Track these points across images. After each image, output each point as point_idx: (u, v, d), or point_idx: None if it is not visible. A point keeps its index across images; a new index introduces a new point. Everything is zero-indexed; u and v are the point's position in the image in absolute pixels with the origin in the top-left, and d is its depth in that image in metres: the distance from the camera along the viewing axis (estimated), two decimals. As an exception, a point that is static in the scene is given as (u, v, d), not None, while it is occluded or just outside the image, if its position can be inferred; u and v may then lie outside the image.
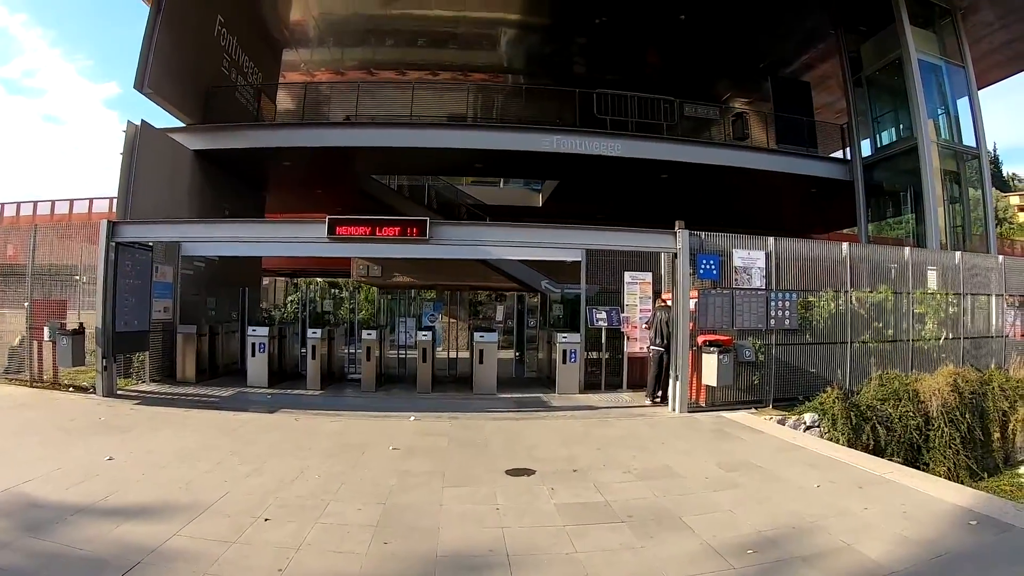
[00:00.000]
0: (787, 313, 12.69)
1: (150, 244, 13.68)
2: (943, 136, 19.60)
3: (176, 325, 15.03)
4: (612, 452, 8.85)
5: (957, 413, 12.25)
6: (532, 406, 12.68)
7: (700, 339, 11.97)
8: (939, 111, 19.88)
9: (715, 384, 11.74)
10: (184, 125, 18.42)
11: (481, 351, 14.02)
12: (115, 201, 16.45)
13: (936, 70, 19.83)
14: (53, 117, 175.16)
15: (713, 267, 12.38)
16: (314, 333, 14.18)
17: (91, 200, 31.95)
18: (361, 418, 10.99)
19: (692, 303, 12.11)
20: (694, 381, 12.19)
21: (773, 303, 12.62)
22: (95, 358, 12.43)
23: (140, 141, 15.56)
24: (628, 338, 14.75)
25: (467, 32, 24.70)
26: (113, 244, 12.34)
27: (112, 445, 8.42)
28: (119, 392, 12.73)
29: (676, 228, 12.33)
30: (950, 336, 14.31)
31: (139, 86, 16.06)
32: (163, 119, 18.04)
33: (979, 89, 20.50)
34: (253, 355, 14.37)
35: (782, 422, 11.48)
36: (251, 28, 22.00)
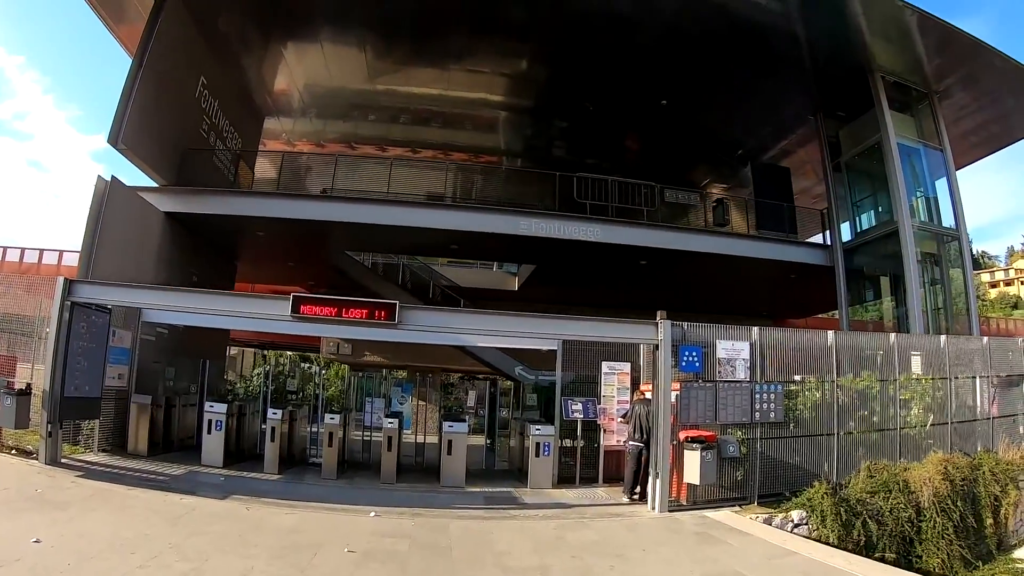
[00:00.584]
0: (772, 405, 12.23)
1: (108, 307, 12.89)
2: (923, 218, 19.66)
3: (131, 394, 14.23)
4: (589, 561, 8.13)
5: (949, 502, 11.81)
6: (502, 502, 11.90)
7: (682, 435, 11.39)
8: (918, 193, 20.04)
9: (698, 483, 11.13)
10: (157, 185, 17.90)
11: (450, 441, 13.26)
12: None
13: (915, 153, 20.03)
14: (36, 163, 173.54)
15: (696, 359, 11.88)
16: (274, 414, 13.39)
17: (61, 253, 31.04)
18: (318, 511, 10.14)
19: (674, 396, 11.58)
20: (675, 477, 11.54)
21: (758, 395, 12.16)
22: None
23: (109, 198, 15.00)
24: (605, 430, 14.10)
25: (450, 111, 24.79)
26: (69, 303, 11.60)
27: (43, 524, 7.68)
28: (64, 460, 11.84)
29: (658, 319, 11.86)
30: (937, 421, 13.87)
31: (113, 141, 15.49)
32: (139, 177, 17.66)
33: (957, 170, 20.72)
34: (209, 432, 13.52)
35: (768, 521, 10.91)
36: (234, 93, 21.78)
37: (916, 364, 14.14)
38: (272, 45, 21.04)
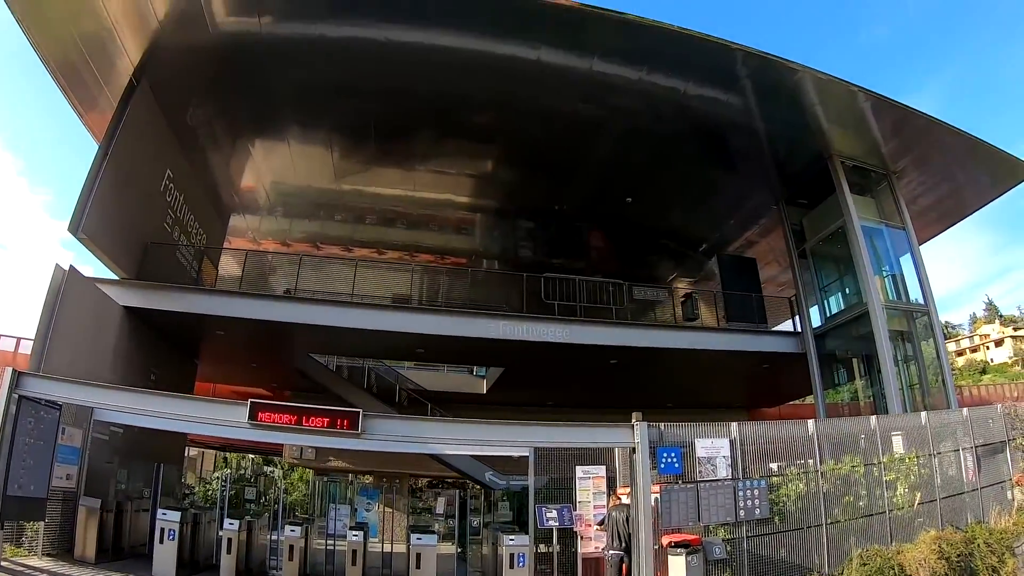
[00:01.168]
0: (757, 502, 11.83)
1: (59, 403, 12.19)
2: (891, 296, 19.79)
3: (79, 495, 13.31)
4: None
5: None
6: None
7: (665, 539, 10.88)
8: (884, 272, 20.19)
9: (684, 590, 10.55)
10: (117, 278, 17.31)
11: (419, 555, 12.57)
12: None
13: (877, 233, 20.27)
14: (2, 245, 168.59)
15: (675, 460, 11.49)
16: (231, 524, 12.60)
17: (19, 340, 29.55)
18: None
19: (654, 500, 11.09)
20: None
21: (741, 493, 11.76)
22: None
23: (66, 288, 14.37)
24: (582, 537, 13.43)
25: (416, 212, 24.93)
26: (16, 396, 10.90)
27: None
28: (3, 563, 11.02)
29: (633, 421, 11.47)
30: (925, 499, 13.44)
31: (74, 229, 14.91)
32: (102, 268, 17.06)
33: (920, 244, 20.97)
34: (161, 542, 12.64)
35: None
36: (200, 187, 21.54)
37: (898, 443, 13.89)
38: (240, 142, 21.00)
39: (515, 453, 13.68)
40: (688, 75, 17.29)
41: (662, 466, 11.38)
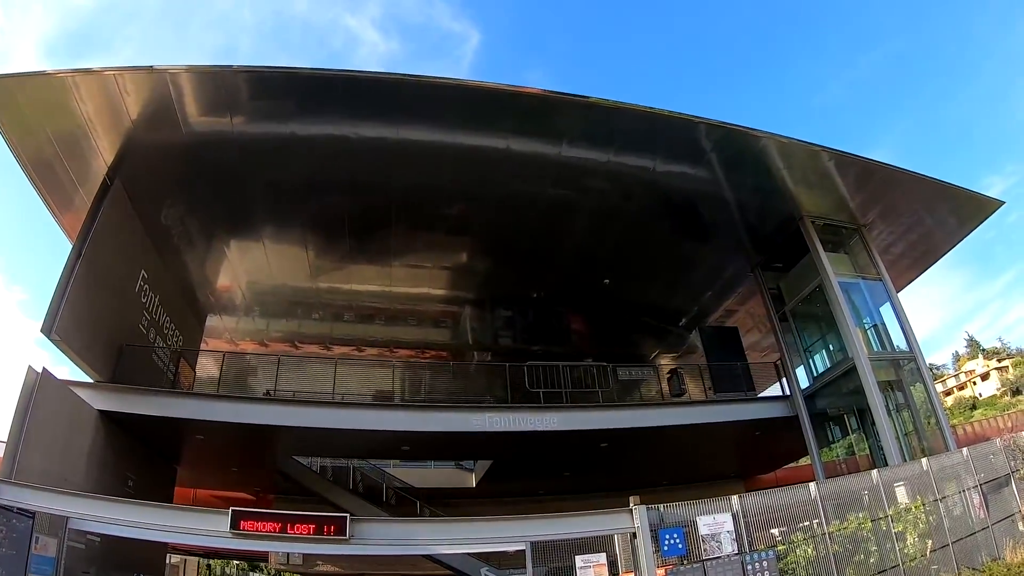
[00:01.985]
0: (767, 575, 11.44)
1: (32, 511, 11.62)
2: (875, 347, 19.66)
3: None
4: None
5: None
6: None
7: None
8: (866, 324, 20.18)
9: None
10: (92, 381, 16.81)
11: None
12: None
13: (855, 287, 20.35)
14: None
15: (678, 541, 11.18)
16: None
17: None
18: None
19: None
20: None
21: (750, 567, 11.42)
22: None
23: (39, 391, 13.86)
24: (587, 629, 12.97)
25: (393, 307, 24.81)
26: None
27: None
28: None
29: (631, 505, 11.21)
30: (937, 545, 13.08)
31: (47, 331, 14.48)
32: (77, 371, 16.60)
33: (897, 291, 21.01)
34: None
35: None
36: (176, 288, 21.29)
37: (902, 494, 13.63)
38: (214, 242, 20.90)
39: (511, 548, 13.24)
40: (656, 152, 17.60)
41: (665, 548, 11.06)
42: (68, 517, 12.68)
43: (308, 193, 18.59)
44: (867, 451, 19.22)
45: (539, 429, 18.27)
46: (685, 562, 11.14)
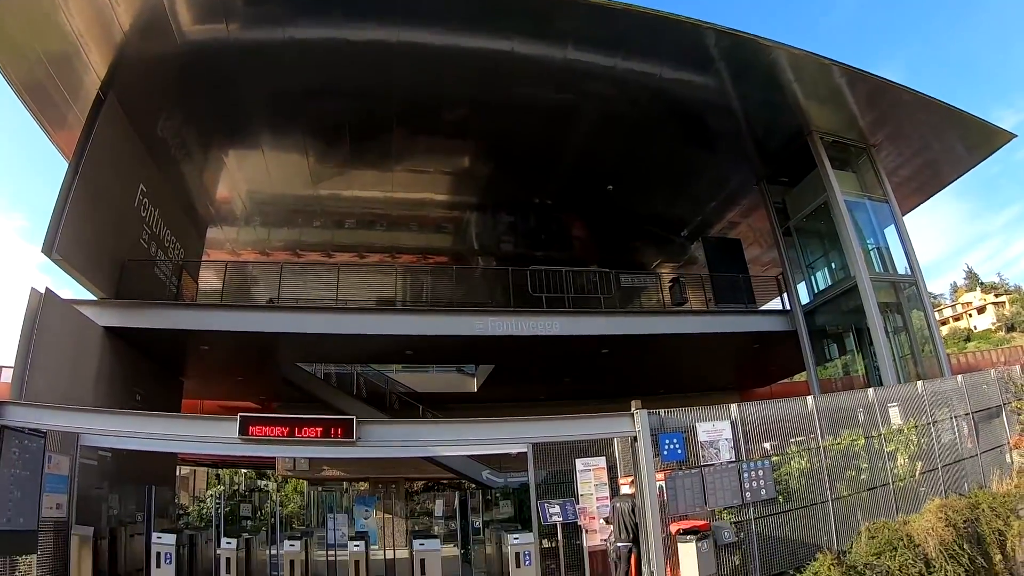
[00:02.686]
0: (762, 483, 11.62)
1: (43, 431, 11.70)
2: (877, 269, 19.60)
3: (71, 524, 12.75)
4: None
5: (955, 547, 11.21)
6: None
7: (673, 527, 10.66)
8: (870, 245, 20.10)
9: (698, 576, 10.38)
10: (96, 299, 16.87)
11: (423, 560, 12.24)
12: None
13: (859, 207, 20.16)
14: None
15: (678, 446, 11.28)
16: (228, 543, 12.28)
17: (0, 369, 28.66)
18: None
19: (660, 488, 10.89)
20: (668, 574, 10.70)
21: (746, 475, 11.54)
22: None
23: (43, 312, 13.84)
24: (586, 531, 13.25)
25: (395, 213, 24.60)
26: None
27: None
28: None
29: (633, 409, 11.25)
30: (927, 468, 13.32)
31: (47, 251, 14.43)
32: (81, 291, 16.60)
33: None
34: (158, 566, 12.33)
35: None
36: (175, 201, 21.06)
37: (895, 415, 13.73)
38: (212, 152, 20.60)
39: (513, 450, 13.46)
40: (663, 58, 17.12)
41: (665, 453, 11.16)
42: (79, 434, 12.89)
43: (307, 98, 18.16)
44: (862, 371, 19.41)
45: (541, 333, 18.33)
46: (683, 467, 11.28)
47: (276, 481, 27.72)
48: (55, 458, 12.36)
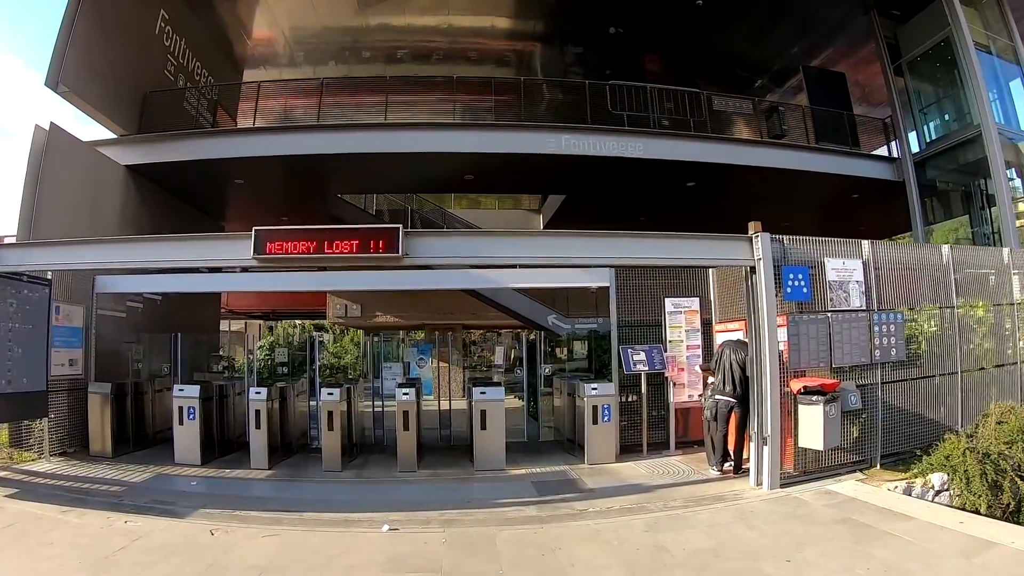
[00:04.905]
0: (893, 340, 9.39)
1: (47, 277, 10.19)
2: (999, 122, 16.55)
3: (90, 382, 11.50)
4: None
5: None
6: (560, 491, 8.84)
7: (795, 385, 8.48)
8: (992, 96, 16.96)
9: (822, 447, 8.38)
10: (115, 136, 15.11)
11: (483, 412, 10.17)
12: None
13: (984, 53, 16.99)
14: (4, 130, 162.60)
15: (803, 283, 8.95)
16: (258, 393, 10.46)
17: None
18: (311, 526, 7.25)
19: (781, 335, 8.65)
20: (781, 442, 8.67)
21: (877, 328, 9.29)
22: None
23: (49, 150, 12.15)
24: (674, 384, 11.19)
25: (452, 44, 21.76)
26: None
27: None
28: (2, 474, 9.38)
29: (751, 231, 8.84)
30: None
31: (52, 84, 12.75)
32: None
33: None
34: (181, 423, 10.68)
35: (908, 491, 8.28)
36: (206, 33, 18.72)
37: (1016, 285, 11.14)
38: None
39: (593, 283, 11.28)
40: None
41: (788, 291, 8.83)
42: (94, 279, 11.73)
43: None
44: (970, 238, 16.70)
45: (621, 155, 15.69)
46: (805, 310, 8.96)
47: (333, 332, 26.69)
48: (65, 309, 11.13)
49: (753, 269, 8.71)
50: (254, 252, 8.14)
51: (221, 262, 9.14)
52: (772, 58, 22.30)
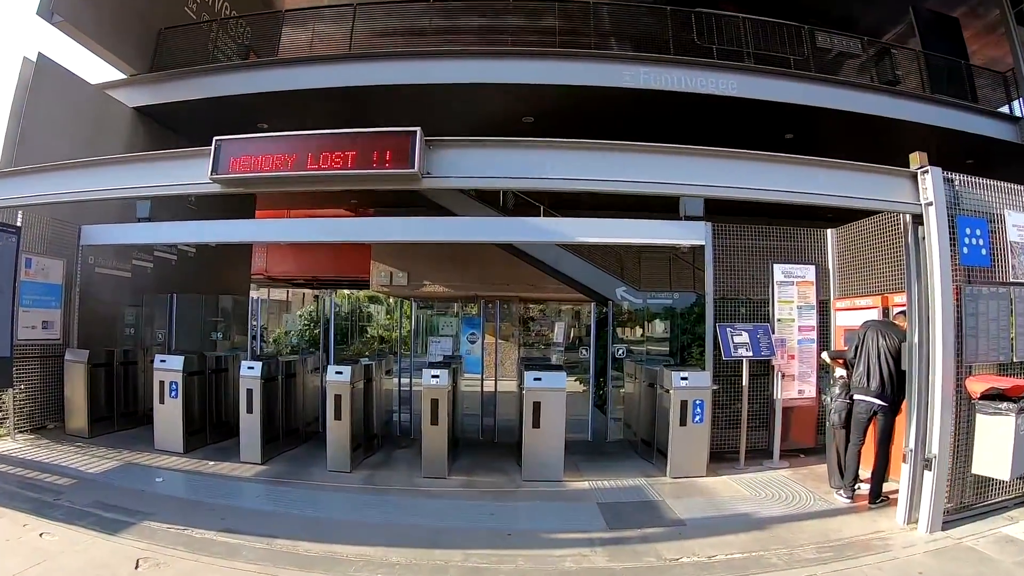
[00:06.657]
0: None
1: (16, 224, 8.47)
2: None
3: (68, 350, 9.66)
4: None
5: None
6: (638, 521, 6.35)
7: (975, 386, 5.97)
8: None
9: (1008, 475, 5.86)
10: (124, 77, 13.13)
11: (536, 405, 7.72)
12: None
13: None
14: None
15: (982, 242, 6.37)
16: (250, 369, 8.23)
17: None
18: (274, 567, 5.03)
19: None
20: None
21: (1072, 309, 6.62)
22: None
23: (35, 86, 10.22)
24: (783, 374, 8.65)
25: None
26: None
27: None
28: None
29: (915, 166, 6.29)
30: None
31: (45, 13, 10.77)
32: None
33: None
34: (163, 401, 8.66)
35: None
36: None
37: None
38: None
39: (685, 241, 8.77)
40: None
41: (965, 252, 6.25)
42: (80, 229, 9.91)
43: None
44: None
45: (710, 92, 13.01)
46: (976, 279, 6.37)
47: (386, 304, 25.00)
48: (40, 262, 9.38)
49: (917, 218, 6.16)
50: (211, 172, 5.84)
51: (175, 189, 6.85)
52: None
